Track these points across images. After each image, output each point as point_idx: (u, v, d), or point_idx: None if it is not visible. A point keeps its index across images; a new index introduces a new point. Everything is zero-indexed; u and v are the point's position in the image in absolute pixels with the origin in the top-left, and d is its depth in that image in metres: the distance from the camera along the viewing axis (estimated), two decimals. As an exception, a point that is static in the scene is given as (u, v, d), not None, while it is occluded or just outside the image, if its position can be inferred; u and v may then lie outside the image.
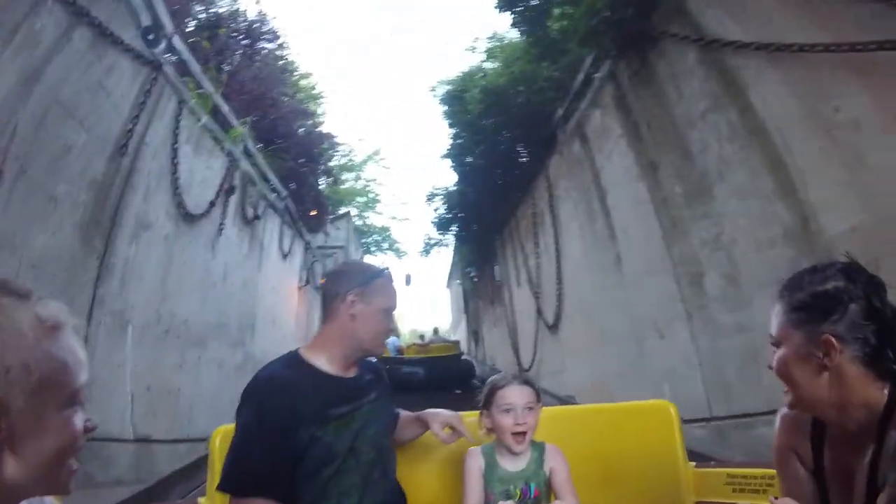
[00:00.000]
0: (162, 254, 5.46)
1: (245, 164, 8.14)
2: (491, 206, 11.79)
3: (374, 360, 1.58)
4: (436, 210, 13.99)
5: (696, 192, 4.09)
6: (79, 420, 0.62)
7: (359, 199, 25.05)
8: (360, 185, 25.08)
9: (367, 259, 22.01)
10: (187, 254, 5.93)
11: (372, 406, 1.42)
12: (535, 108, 8.33)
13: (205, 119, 7.09)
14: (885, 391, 0.84)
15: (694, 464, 1.70)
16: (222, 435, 1.55)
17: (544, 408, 1.53)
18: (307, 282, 11.62)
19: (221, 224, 6.80)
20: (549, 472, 1.44)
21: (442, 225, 13.79)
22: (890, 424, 0.82)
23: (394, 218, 26.47)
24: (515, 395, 1.44)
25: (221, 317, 6.91)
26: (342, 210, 22.55)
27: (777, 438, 1.03)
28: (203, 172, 6.52)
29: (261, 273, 8.56)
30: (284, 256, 10.08)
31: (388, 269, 1.55)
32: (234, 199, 7.31)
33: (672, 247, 4.45)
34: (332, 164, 21.93)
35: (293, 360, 1.41)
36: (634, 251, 5.02)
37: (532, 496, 1.42)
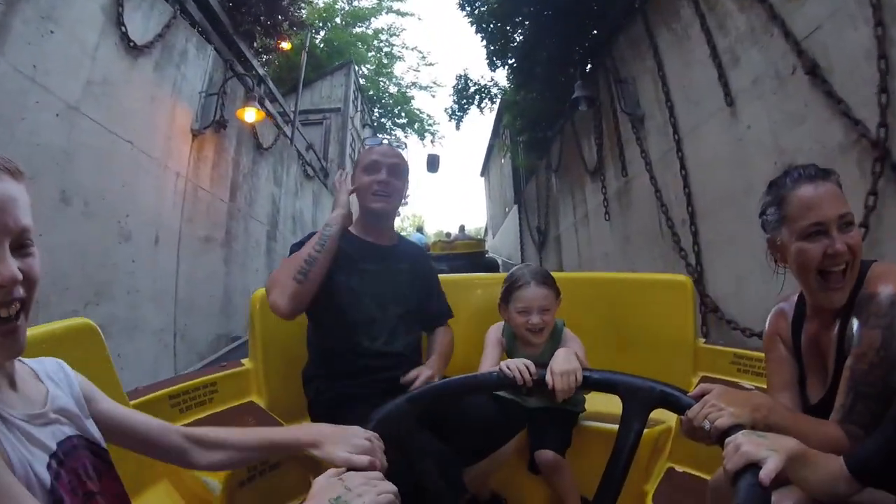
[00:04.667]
0: None
1: None
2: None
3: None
4: (477, 21, 7.85)
5: None
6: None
7: (369, 57, 18.54)
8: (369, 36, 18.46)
9: (380, 137, 16.05)
10: None
11: (408, 275, 1.62)
12: None
13: None
14: None
15: (703, 340, 1.81)
16: (262, 296, 1.62)
17: (565, 273, 1.64)
18: (221, 120, 5.51)
19: None
20: None
21: (498, 37, 7.58)
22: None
23: (414, 84, 20.05)
24: (531, 297, 1.50)
25: None
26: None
27: (767, 328, 1.16)
28: None
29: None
30: (133, 48, 4.05)
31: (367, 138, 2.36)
32: None
33: None
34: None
35: None
36: None
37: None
